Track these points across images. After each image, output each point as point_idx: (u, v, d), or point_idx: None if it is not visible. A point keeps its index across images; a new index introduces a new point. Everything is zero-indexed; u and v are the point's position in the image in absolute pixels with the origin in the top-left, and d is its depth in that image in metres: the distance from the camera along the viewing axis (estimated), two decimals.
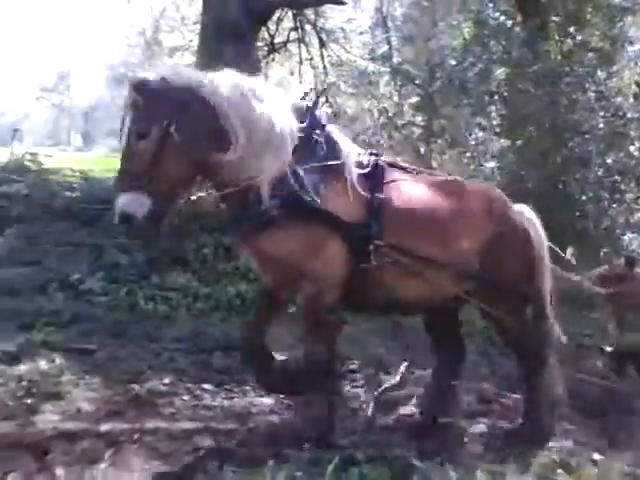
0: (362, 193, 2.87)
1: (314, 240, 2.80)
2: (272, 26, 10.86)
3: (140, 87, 2.61)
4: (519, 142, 10.32)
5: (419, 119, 13.41)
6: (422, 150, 12.97)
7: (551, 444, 3.24)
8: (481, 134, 11.48)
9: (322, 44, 11.95)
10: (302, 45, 11.79)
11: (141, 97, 2.59)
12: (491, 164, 11.15)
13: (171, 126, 2.59)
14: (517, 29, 10.93)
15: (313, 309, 2.96)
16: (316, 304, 2.94)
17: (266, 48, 11.21)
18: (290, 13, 11.08)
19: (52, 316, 4.45)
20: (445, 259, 3.01)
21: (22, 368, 3.36)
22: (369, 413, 3.65)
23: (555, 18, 10.73)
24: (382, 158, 3.11)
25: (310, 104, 2.97)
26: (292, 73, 12.42)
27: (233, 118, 2.68)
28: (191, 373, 3.92)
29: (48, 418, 2.88)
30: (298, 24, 11.47)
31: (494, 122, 11.13)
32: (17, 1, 54.67)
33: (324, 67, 12.06)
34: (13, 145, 11.08)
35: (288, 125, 2.79)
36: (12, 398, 3.00)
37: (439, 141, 13.03)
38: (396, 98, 13.35)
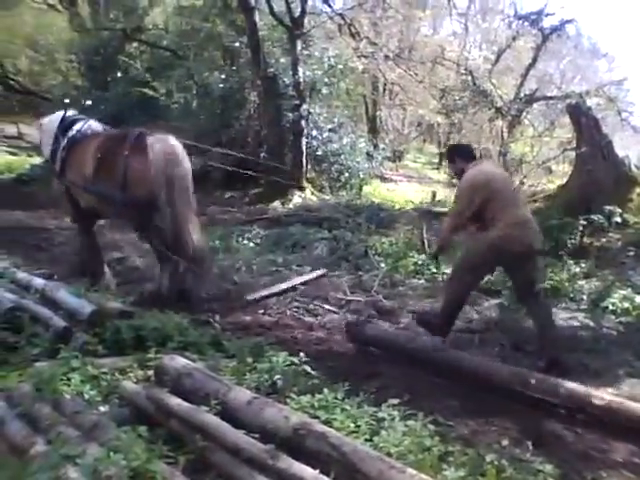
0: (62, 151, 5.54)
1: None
2: None
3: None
4: None
5: None
6: None
7: None
8: None
9: None
10: None
11: None
12: None
13: None
14: None
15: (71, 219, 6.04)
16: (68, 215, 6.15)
17: None
18: None
19: None
20: (80, 181, 5.31)
21: None
22: None
23: None
24: (88, 130, 5.57)
25: (63, 116, 5.76)
26: None
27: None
28: None
29: None
30: None
31: None
32: None
33: None
34: None
35: (51, 130, 5.68)
36: None
37: None
38: None
